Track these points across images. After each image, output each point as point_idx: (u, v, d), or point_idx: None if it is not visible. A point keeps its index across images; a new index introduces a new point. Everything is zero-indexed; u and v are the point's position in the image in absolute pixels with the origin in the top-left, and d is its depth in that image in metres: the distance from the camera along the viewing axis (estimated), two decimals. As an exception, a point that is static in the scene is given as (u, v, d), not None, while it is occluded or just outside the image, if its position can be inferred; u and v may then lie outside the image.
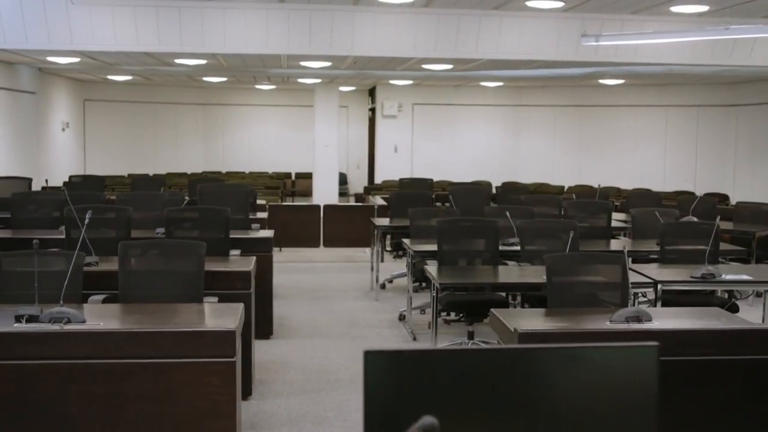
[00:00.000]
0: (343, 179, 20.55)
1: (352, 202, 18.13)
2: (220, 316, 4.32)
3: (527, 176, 17.77)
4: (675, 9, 10.39)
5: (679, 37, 10.00)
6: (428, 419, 1.31)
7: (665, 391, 3.93)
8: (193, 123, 20.51)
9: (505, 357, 1.69)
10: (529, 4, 10.43)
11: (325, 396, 5.72)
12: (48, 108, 15.72)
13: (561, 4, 10.40)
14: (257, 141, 21.01)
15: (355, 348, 6.98)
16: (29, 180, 9.62)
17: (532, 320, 4.41)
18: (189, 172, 18.27)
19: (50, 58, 12.75)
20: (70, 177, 11.24)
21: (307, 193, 18.44)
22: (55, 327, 3.92)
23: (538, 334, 3.99)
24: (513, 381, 1.67)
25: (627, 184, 16.04)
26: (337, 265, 11.40)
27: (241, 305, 4.48)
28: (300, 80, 16.74)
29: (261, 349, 6.70)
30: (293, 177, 20.56)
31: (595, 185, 14.52)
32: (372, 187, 16.42)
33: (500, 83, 17.83)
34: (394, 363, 1.65)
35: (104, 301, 4.75)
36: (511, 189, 13.46)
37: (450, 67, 13.46)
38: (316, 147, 16.59)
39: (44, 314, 4.04)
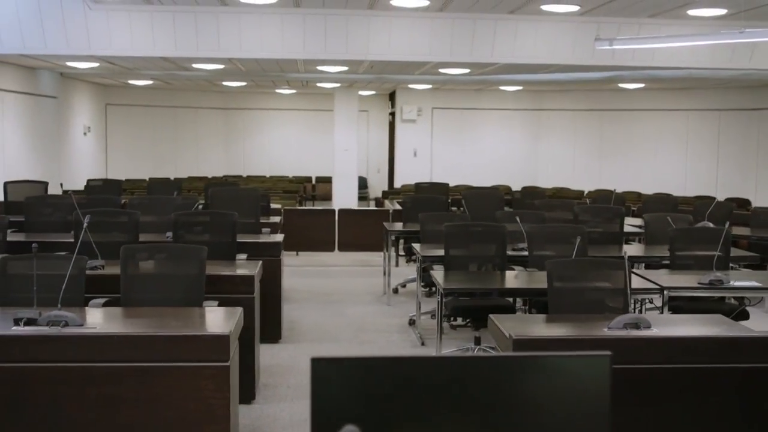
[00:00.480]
0: (363, 183, 20.57)
1: (372, 207, 18.13)
2: (216, 321, 4.33)
3: (547, 181, 17.70)
4: (692, 12, 10.32)
5: (693, 40, 9.92)
6: (349, 428, 1.30)
7: (661, 399, 3.89)
8: (214, 127, 20.63)
9: (453, 365, 1.68)
10: (544, 8, 10.39)
11: (328, 400, 5.71)
12: (69, 112, 15.89)
13: (577, 8, 10.36)
14: (278, 145, 21.08)
15: (363, 352, 6.98)
16: (45, 184, 9.72)
17: (529, 326, 4.38)
18: (210, 176, 18.38)
19: (70, 63, 12.88)
20: (88, 181, 11.33)
21: (328, 197, 18.47)
22: (51, 330, 3.95)
23: (531, 340, 3.97)
24: (461, 389, 1.66)
25: (648, 188, 15.91)
26: (352, 269, 11.41)
27: (240, 309, 4.49)
28: (319, 84, 16.79)
29: (268, 353, 6.72)
30: (314, 181, 20.62)
31: (616, 189, 14.43)
32: (390, 192, 16.42)
33: (520, 87, 17.77)
34: (341, 370, 1.65)
35: (105, 305, 4.78)
36: (530, 193, 13.40)
37: (467, 71, 13.43)
38: (335, 151, 16.62)
39: (42, 317, 4.07)
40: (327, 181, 19.00)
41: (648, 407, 3.94)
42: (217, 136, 20.70)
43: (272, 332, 7.09)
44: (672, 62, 11.64)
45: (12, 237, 7.49)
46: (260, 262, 6.11)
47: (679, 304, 6.31)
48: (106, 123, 18.71)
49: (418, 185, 12.75)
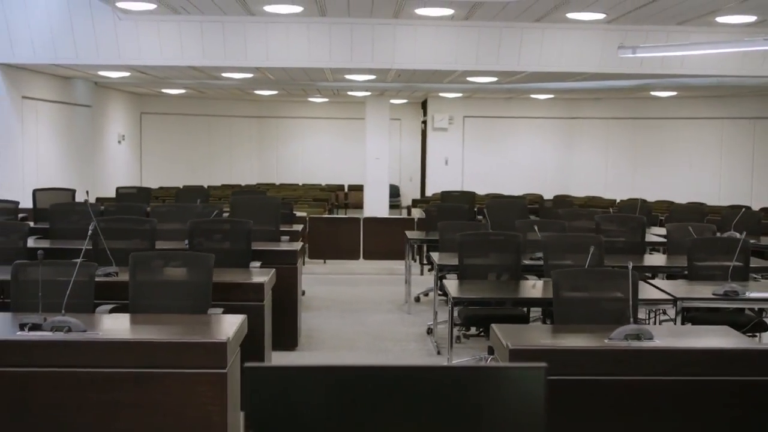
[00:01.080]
0: (395, 191, 20.60)
1: (404, 215, 18.13)
2: (216, 328, 4.36)
3: (579, 189, 17.57)
4: (721, 20, 10.20)
5: (716, 48, 9.80)
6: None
7: (661, 411, 3.84)
8: (248, 135, 20.81)
9: (389, 375, 1.68)
10: (570, 16, 10.36)
11: (338, 408, 5.71)
12: (104, 120, 16.13)
13: (603, 16, 10.30)
14: (311, 153, 21.21)
15: (378, 361, 6.98)
16: (73, 191, 9.88)
17: (529, 336, 4.36)
18: (243, 184, 18.53)
19: (102, 73, 13.10)
20: (118, 189, 11.50)
21: (360, 205, 18.51)
22: (51, 335, 4.01)
23: (529, 350, 3.94)
24: (398, 399, 1.66)
25: (682, 197, 15.72)
26: (376, 277, 11.41)
27: (243, 317, 4.52)
28: (350, 93, 16.86)
29: (283, 360, 6.74)
30: (346, 189, 20.69)
31: (649, 198, 14.28)
32: (420, 200, 16.41)
33: (551, 96, 17.69)
34: (275, 378, 1.66)
35: (113, 311, 4.85)
36: (560, 203, 13.31)
37: (495, 79, 13.41)
38: (366, 159, 16.67)
39: (46, 323, 4.14)
40: (359, 189, 19.05)
41: (645, 419, 3.89)
42: (251, 144, 20.89)
43: (288, 340, 7.13)
44: (701, 70, 11.52)
45: (37, 244, 7.64)
46: (273, 270, 6.14)
47: (696, 315, 6.24)
48: (141, 131, 18.97)
49: (444, 194, 12.74)
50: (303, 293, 9.58)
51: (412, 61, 11.43)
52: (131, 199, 11.04)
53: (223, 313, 4.84)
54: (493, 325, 4.36)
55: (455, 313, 6.27)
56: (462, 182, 18.45)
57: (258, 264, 6.45)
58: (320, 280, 10.94)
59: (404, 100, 20.02)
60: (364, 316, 8.79)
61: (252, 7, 10.15)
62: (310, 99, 20.10)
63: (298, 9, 10.29)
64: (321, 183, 20.32)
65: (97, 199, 12.62)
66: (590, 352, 3.96)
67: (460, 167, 18.88)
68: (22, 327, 4.13)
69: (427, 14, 10.52)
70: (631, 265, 4.51)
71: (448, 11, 10.30)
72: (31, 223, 9.14)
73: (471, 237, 6.78)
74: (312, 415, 1.67)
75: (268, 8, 10.24)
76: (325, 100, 20.18)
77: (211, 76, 13.54)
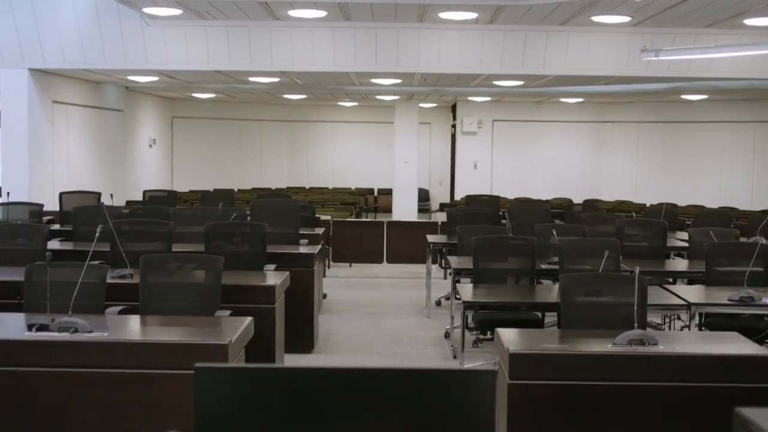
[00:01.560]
0: (425, 195, 20.58)
1: (434, 219, 18.08)
2: (220, 329, 4.39)
3: (610, 193, 17.42)
4: (749, 22, 10.06)
5: (742, 50, 9.70)
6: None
7: (662, 417, 3.80)
8: (278, 139, 20.92)
9: (336, 378, 1.68)
10: (595, 19, 10.28)
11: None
12: (134, 125, 16.32)
13: (628, 19, 10.21)
14: (341, 157, 21.27)
15: (393, 364, 6.98)
16: (98, 194, 10.01)
17: (531, 341, 4.32)
18: (273, 188, 18.62)
19: (131, 77, 13.26)
20: (145, 192, 11.63)
21: (390, 208, 18.52)
22: (55, 336, 4.07)
23: (528, 355, 3.92)
24: (344, 403, 1.66)
25: (714, 202, 15.51)
26: (398, 281, 11.40)
27: (250, 319, 4.54)
28: (379, 97, 16.88)
29: (299, 363, 6.77)
30: (375, 193, 20.71)
31: (680, 203, 14.13)
32: (448, 204, 16.38)
33: (580, 99, 17.56)
34: (224, 379, 1.67)
35: (122, 313, 4.90)
36: (589, 207, 13.22)
37: (521, 83, 13.35)
38: (395, 163, 16.68)
39: (54, 323, 4.20)
40: (389, 193, 19.05)
41: (647, 425, 3.85)
42: (281, 147, 20.99)
43: (304, 343, 7.15)
44: (730, 73, 11.38)
45: (61, 246, 7.77)
46: (287, 273, 6.17)
47: (714, 321, 6.16)
48: (172, 135, 19.16)
49: (469, 197, 12.71)
50: (324, 296, 9.61)
51: (436, 65, 11.42)
52: (160, 202, 11.15)
53: (232, 315, 4.88)
54: (498, 329, 4.34)
55: (469, 318, 6.27)
56: (491, 186, 18.37)
57: (272, 267, 6.48)
58: (343, 284, 10.96)
59: (434, 104, 20.01)
60: (384, 320, 8.79)
61: (277, 11, 10.21)
62: (340, 103, 20.15)
63: (322, 13, 10.33)
64: (351, 187, 20.36)
65: (127, 202, 12.77)
66: (591, 357, 3.93)
67: (489, 171, 18.82)
68: (30, 327, 4.20)
69: (452, 18, 10.50)
70: (637, 269, 4.47)
71: (472, 15, 10.27)
72: (57, 226, 9.29)
73: (486, 241, 6.76)
74: (258, 417, 1.68)
75: (293, 13, 10.29)
76: (355, 104, 20.22)
77: (239, 81, 13.64)
